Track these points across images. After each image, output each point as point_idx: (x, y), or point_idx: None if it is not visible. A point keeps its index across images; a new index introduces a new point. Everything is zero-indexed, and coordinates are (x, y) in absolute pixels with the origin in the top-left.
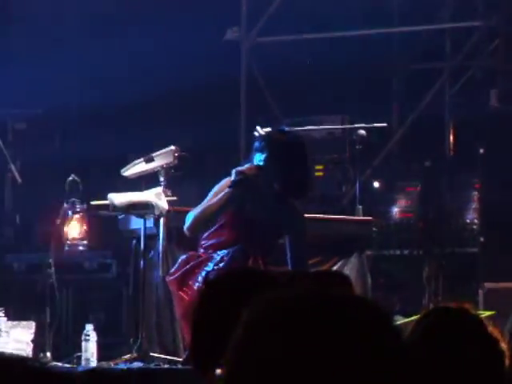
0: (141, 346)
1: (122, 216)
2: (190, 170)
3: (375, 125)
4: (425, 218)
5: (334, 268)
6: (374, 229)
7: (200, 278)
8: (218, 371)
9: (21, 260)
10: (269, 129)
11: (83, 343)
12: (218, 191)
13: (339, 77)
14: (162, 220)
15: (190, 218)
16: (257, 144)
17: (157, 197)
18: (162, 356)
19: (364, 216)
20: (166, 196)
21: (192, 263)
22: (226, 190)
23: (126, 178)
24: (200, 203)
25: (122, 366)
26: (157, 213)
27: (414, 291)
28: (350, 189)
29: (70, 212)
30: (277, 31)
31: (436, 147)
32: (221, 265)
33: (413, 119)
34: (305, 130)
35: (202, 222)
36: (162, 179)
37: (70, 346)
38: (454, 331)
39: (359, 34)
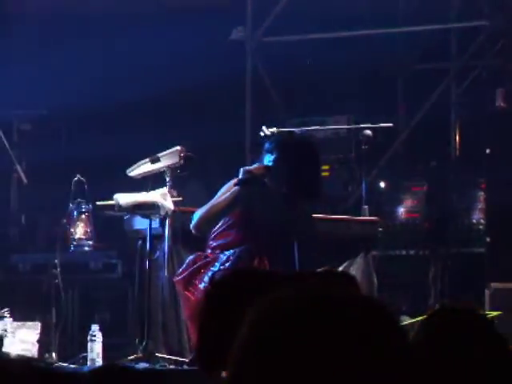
0: (146, 346)
1: (128, 216)
2: (195, 170)
3: (381, 125)
4: (431, 218)
5: (340, 268)
6: (380, 229)
7: (206, 278)
8: (224, 374)
9: (26, 260)
10: (274, 129)
11: (89, 343)
12: (226, 191)
13: (345, 77)
14: (167, 220)
15: (196, 217)
16: (267, 145)
17: (162, 197)
18: (168, 356)
19: (370, 216)
20: (172, 196)
21: (199, 263)
22: (233, 188)
23: (131, 178)
24: (206, 203)
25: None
26: (162, 213)
27: (420, 291)
28: (355, 189)
29: (75, 212)
30: (282, 31)
31: (442, 147)
32: (227, 265)
33: (418, 119)
34: (311, 129)
35: (208, 221)
36: (167, 179)
37: (76, 347)
38: (460, 331)
39: (365, 34)
